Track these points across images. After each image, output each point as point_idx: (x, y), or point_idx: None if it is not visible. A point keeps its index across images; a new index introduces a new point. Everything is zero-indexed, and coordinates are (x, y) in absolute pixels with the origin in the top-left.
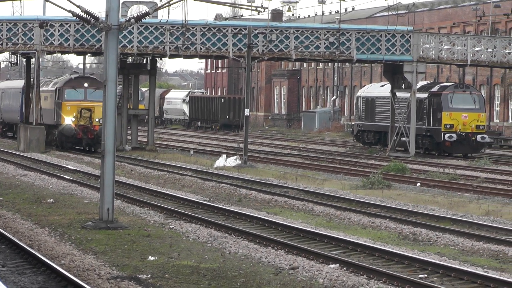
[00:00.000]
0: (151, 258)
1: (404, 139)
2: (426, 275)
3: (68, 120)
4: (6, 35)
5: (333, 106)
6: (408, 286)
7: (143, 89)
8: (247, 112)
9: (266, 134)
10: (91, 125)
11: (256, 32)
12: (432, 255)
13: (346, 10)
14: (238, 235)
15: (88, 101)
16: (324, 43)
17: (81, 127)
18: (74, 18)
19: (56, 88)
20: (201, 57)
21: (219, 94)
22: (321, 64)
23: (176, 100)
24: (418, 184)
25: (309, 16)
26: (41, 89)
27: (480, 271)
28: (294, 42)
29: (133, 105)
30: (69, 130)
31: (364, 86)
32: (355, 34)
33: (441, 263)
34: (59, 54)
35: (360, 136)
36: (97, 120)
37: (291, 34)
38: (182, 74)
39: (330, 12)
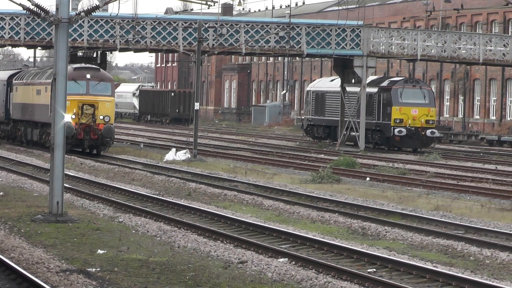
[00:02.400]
0: (100, 251)
1: (353, 133)
2: (375, 270)
3: (68, 117)
4: None
5: (283, 101)
6: (357, 281)
7: None
8: (197, 106)
9: (216, 128)
10: (94, 124)
11: (206, 26)
12: (381, 250)
13: (296, 4)
14: (187, 229)
15: (90, 95)
16: (274, 38)
17: (83, 125)
18: (25, 11)
19: (52, 80)
20: (151, 51)
21: (169, 88)
22: (271, 59)
23: (126, 94)
24: (368, 178)
25: (259, 10)
26: (30, 81)
27: (429, 265)
28: (245, 37)
29: None
30: (68, 130)
31: (314, 81)
32: (305, 28)
33: (390, 257)
34: (9, 47)
35: (310, 130)
36: (101, 117)
37: (241, 28)
38: (132, 67)
39: (281, 7)
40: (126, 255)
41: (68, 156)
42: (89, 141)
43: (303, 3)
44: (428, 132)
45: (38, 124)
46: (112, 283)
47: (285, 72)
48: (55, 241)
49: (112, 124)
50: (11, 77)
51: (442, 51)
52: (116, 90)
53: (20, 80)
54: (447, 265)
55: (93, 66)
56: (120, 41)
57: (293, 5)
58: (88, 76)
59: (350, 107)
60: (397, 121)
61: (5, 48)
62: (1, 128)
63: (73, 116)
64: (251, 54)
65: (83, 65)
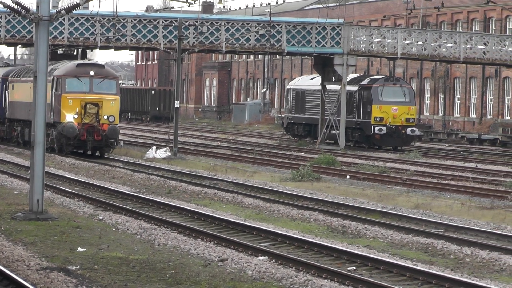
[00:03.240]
0: (80, 249)
1: (334, 132)
2: (355, 268)
3: (70, 117)
4: None
5: (263, 99)
6: (337, 279)
7: None
8: (177, 104)
9: (196, 126)
10: (98, 124)
11: (187, 24)
12: (361, 248)
13: (277, 2)
14: (167, 226)
15: (94, 94)
16: (255, 36)
17: (86, 126)
18: (5, 9)
19: (53, 77)
20: (131, 48)
21: (149, 85)
22: (251, 57)
23: None
24: (348, 176)
25: (240, 8)
26: (28, 78)
27: (409, 264)
28: (225, 35)
29: None
30: (70, 130)
31: (294, 79)
32: (286, 26)
33: (370, 255)
34: None
35: (290, 128)
36: (105, 117)
37: (222, 26)
38: (112, 65)
39: (261, 5)
40: (106, 253)
41: (48, 154)
42: (93, 142)
43: (284, 1)
44: (408, 130)
45: None
46: (92, 281)
47: (266, 70)
48: (35, 239)
49: (117, 124)
50: (7, 74)
51: (422, 49)
52: None
53: (17, 77)
54: (427, 264)
55: (97, 62)
56: (100, 39)
57: (273, 3)
58: (91, 73)
59: (331, 105)
60: (377, 119)
61: None
62: None
63: (76, 116)
64: (232, 52)
65: (86, 61)
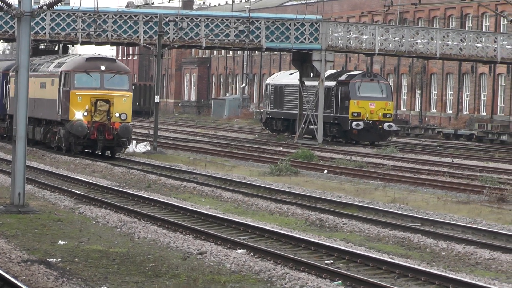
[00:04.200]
0: (61, 242)
1: (312, 126)
2: (332, 261)
3: (79, 114)
4: None
5: (242, 94)
6: (314, 272)
7: None
8: (157, 99)
9: (176, 121)
10: (109, 122)
11: (167, 20)
12: (338, 241)
13: None
14: (147, 220)
15: (105, 90)
16: (234, 32)
17: (96, 124)
18: None
19: (61, 72)
20: (112, 44)
21: None
22: (231, 52)
23: None
24: (325, 171)
25: (219, 4)
26: (31, 72)
27: (385, 257)
28: (205, 30)
29: None
30: (80, 129)
31: (273, 74)
32: (265, 22)
33: (347, 249)
34: None
35: (268, 123)
36: (117, 115)
37: (202, 22)
38: None
39: (240, 1)
40: (87, 246)
41: (30, 148)
42: (103, 141)
43: None
44: (386, 125)
45: (42, 122)
46: (72, 274)
47: (245, 66)
48: (16, 231)
49: (129, 122)
50: (6, 69)
51: (399, 45)
52: None
53: None
54: (403, 257)
55: (109, 56)
56: (81, 35)
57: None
58: (102, 67)
59: (309, 100)
60: (355, 114)
61: None
62: None
63: (85, 114)
64: (211, 47)
65: (97, 55)
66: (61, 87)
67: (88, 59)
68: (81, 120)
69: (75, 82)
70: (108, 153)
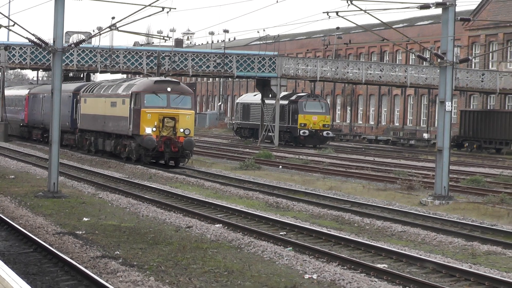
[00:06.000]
0: (85, 219)
1: (270, 134)
2: (285, 232)
3: (149, 130)
4: None
5: (219, 110)
6: (272, 241)
7: None
8: None
9: None
10: (175, 136)
11: (163, 55)
12: (289, 218)
13: (229, 39)
14: (149, 202)
15: (171, 108)
16: (213, 64)
17: (164, 138)
18: (30, 43)
19: (131, 93)
20: (123, 72)
21: None
22: (211, 79)
23: None
24: (280, 166)
25: (202, 43)
26: (102, 93)
27: (324, 230)
28: (191, 63)
29: None
30: (150, 142)
31: (242, 95)
32: (236, 57)
33: (297, 224)
34: (19, 70)
35: (238, 131)
36: (181, 130)
37: (189, 57)
38: None
39: (218, 41)
40: (104, 222)
41: (62, 149)
42: (170, 153)
43: (234, 38)
44: (324, 133)
45: (112, 135)
46: (93, 242)
47: (221, 89)
48: (52, 211)
49: (192, 137)
50: (77, 89)
51: (335, 74)
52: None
53: (89, 92)
54: (338, 230)
55: (174, 79)
56: (100, 66)
57: (226, 40)
58: (168, 89)
59: (268, 114)
60: (302, 125)
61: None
62: (65, 137)
63: (154, 129)
64: (196, 75)
65: (163, 78)
66: (132, 106)
67: (156, 81)
68: (150, 135)
69: (145, 101)
70: (171, 163)
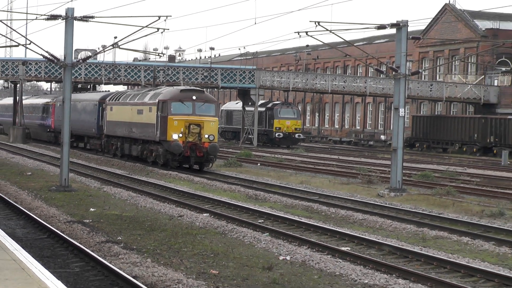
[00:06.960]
0: (92, 209)
1: (250, 136)
2: (263, 220)
3: (175, 136)
4: (1, 69)
5: None
6: (251, 227)
7: None
8: None
9: None
10: (200, 142)
11: (159, 69)
12: (266, 208)
13: (215, 55)
14: (146, 195)
15: (196, 115)
16: (201, 76)
17: (189, 144)
18: (45, 59)
19: (158, 101)
20: (124, 84)
21: None
22: None
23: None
24: (259, 164)
25: (191, 59)
26: (128, 101)
27: (296, 218)
28: (182, 75)
29: None
30: (176, 148)
31: (226, 103)
32: (220, 70)
33: (272, 213)
34: (35, 82)
35: (223, 134)
36: (206, 136)
37: (181, 70)
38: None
39: (205, 57)
40: (108, 212)
41: (72, 150)
42: (195, 158)
43: (219, 55)
44: (296, 135)
45: (139, 141)
46: (99, 229)
47: None
48: (63, 203)
49: (216, 142)
50: (102, 98)
51: (305, 85)
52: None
53: (115, 100)
54: (308, 218)
55: (198, 88)
56: (104, 78)
57: (212, 56)
58: (194, 97)
59: (248, 119)
60: (277, 128)
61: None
62: (91, 142)
63: (180, 135)
64: None
65: (188, 87)
66: (159, 113)
67: (182, 90)
68: (177, 141)
69: (171, 109)
70: (196, 167)
